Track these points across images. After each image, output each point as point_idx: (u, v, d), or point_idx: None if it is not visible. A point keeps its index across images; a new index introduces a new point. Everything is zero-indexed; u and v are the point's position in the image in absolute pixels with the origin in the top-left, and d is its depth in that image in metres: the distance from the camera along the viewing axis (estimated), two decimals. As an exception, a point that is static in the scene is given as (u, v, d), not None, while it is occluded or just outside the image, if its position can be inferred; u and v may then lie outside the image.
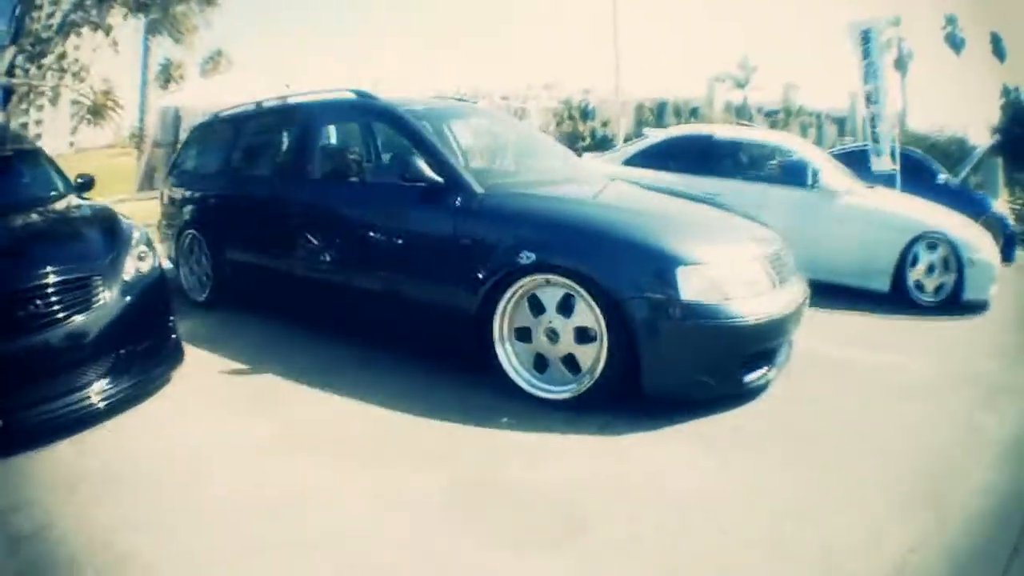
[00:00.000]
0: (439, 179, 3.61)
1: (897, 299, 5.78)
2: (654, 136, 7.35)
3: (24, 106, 21.51)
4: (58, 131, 26.05)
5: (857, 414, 3.38)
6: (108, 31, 18.22)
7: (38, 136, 25.50)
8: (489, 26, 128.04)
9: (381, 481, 2.66)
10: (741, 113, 44.82)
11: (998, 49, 38.41)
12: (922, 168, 9.79)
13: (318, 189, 4.37)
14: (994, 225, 9.00)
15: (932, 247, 5.77)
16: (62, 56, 19.65)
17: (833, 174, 6.13)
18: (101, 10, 17.46)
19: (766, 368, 3.31)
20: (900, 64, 42.29)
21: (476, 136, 4.99)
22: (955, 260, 5.67)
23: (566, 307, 3.22)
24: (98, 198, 4.63)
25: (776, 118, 43.00)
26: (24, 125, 25.06)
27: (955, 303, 5.68)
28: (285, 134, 4.82)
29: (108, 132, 31.21)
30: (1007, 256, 8.82)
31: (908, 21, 44.57)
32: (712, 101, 49.61)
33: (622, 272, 3.07)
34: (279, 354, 4.01)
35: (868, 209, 5.94)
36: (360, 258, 4.00)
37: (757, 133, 7.05)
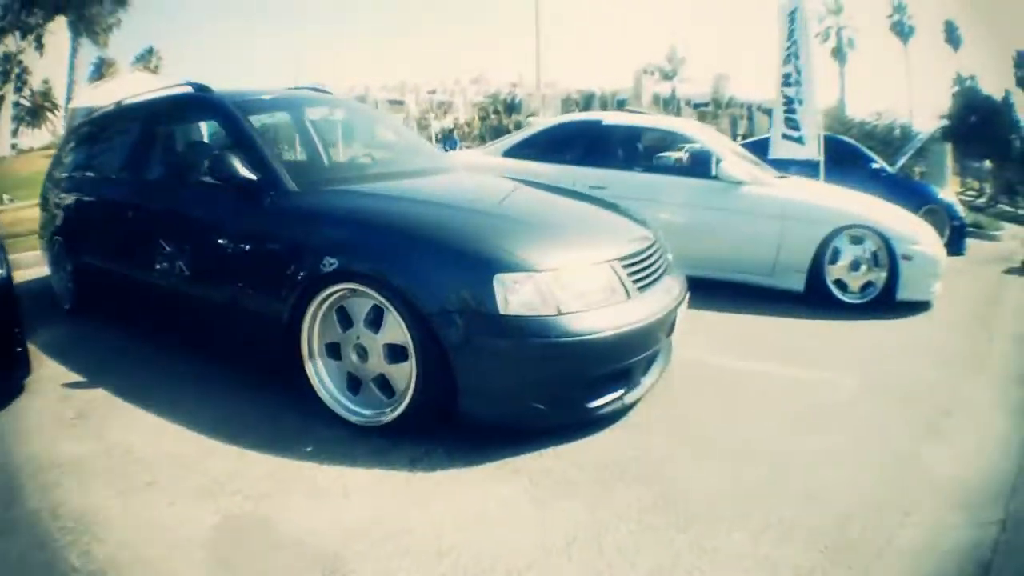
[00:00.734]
0: (253, 176, 3.20)
1: (816, 300, 5.18)
2: (538, 124, 6.73)
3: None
4: (-1, 134, 25.16)
5: (746, 447, 2.77)
6: (29, 31, 17.75)
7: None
8: (419, 21, 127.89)
9: (153, 514, 2.31)
10: (669, 105, 45.17)
11: (952, 37, 38.89)
12: (854, 156, 9.32)
13: (149, 192, 4.09)
14: (940, 215, 8.57)
15: (857, 241, 5.13)
16: (6, 59, 19.23)
17: (735, 163, 5.41)
18: (23, 13, 16.94)
19: (621, 392, 2.78)
20: (839, 53, 42.58)
21: (321, 129, 4.51)
22: (887, 255, 5.05)
23: (376, 321, 2.77)
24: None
25: (705, 110, 43.22)
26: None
27: (888, 303, 5.08)
28: (128, 135, 4.50)
29: (47, 133, 30.46)
30: (955, 249, 8.34)
31: (853, 10, 44.73)
32: (640, 93, 50.05)
33: (432, 281, 2.60)
34: (120, 367, 3.81)
35: (776, 200, 5.27)
36: (186, 265, 3.58)
37: (651, 119, 6.39)
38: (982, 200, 11.52)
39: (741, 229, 5.34)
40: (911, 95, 39.26)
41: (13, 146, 27.18)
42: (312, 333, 2.92)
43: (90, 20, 19.71)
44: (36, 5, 18.17)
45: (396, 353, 2.71)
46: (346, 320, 2.85)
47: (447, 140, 21.85)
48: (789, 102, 7.35)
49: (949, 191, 10.82)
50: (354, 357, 2.84)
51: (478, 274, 2.54)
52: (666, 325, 2.94)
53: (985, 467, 2.68)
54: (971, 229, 9.55)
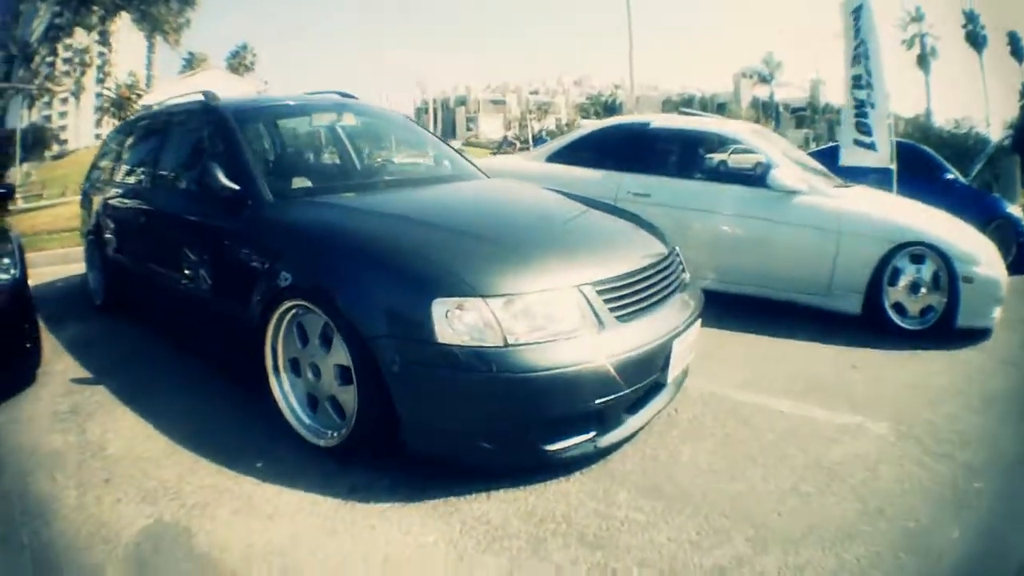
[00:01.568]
0: (235, 187, 3.15)
1: (872, 325, 4.63)
2: (587, 127, 6.31)
3: (47, 100, 22.34)
4: (81, 125, 26.70)
5: (731, 510, 2.38)
6: (91, 28, 18.71)
7: (63, 128, 25.76)
8: (525, 23, 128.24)
9: (99, 508, 2.39)
10: (767, 109, 43.68)
11: (1016, 49, 36.48)
12: (928, 165, 8.49)
13: (158, 196, 4.15)
14: (1007, 231, 7.73)
15: (918, 260, 4.55)
16: (84, 51, 20.36)
17: (789, 170, 4.88)
18: (81, 12, 17.86)
19: (591, 434, 2.46)
20: (923, 61, 40.30)
21: (332, 136, 4.42)
22: (948, 276, 4.46)
23: (328, 340, 2.63)
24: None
25: (803, 114, 41.72)
26: (47, 118, 25.68)
27: (946, 329, 4.49)
28: (148, 141, 4.62)
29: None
30: (1021, 267, 7.53)
31: (932, 19, 42.44)
32: (739, 96, 48.64)
33: (373, 302, 2.44)
34: (130, 366, 3.90)
35: (834, 212, 4.72)
36: (182, 270, 3.57)
37: (702, 122, 5.84)
38: None
39: (793, 243, 4.82)
40: (987, 105, 36.86)
41: (97, 136, 28.65)
42: (276, 347, 2.81)
43: (156, 19, 20.46)
44: (94, 3, 18.94)
45: (345, 375, 2.54)
46: (305, 336, 2.73)
47: (537, 140, 21.90)
48: (860, 105, 6.70)
49: (1017, 206, 9.83)
50: (310, 375, 2.71)
51: (418, 297, 2.32)
52: (660, 357, 2.60)
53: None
54: None
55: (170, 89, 18.00)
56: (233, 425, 3.01)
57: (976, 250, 4.58)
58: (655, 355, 2.55)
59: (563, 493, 2.41)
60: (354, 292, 2.46)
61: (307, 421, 2.75)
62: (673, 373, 2.74)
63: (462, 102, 73.71)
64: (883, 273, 4.56)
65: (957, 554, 2.22)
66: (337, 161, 4.25)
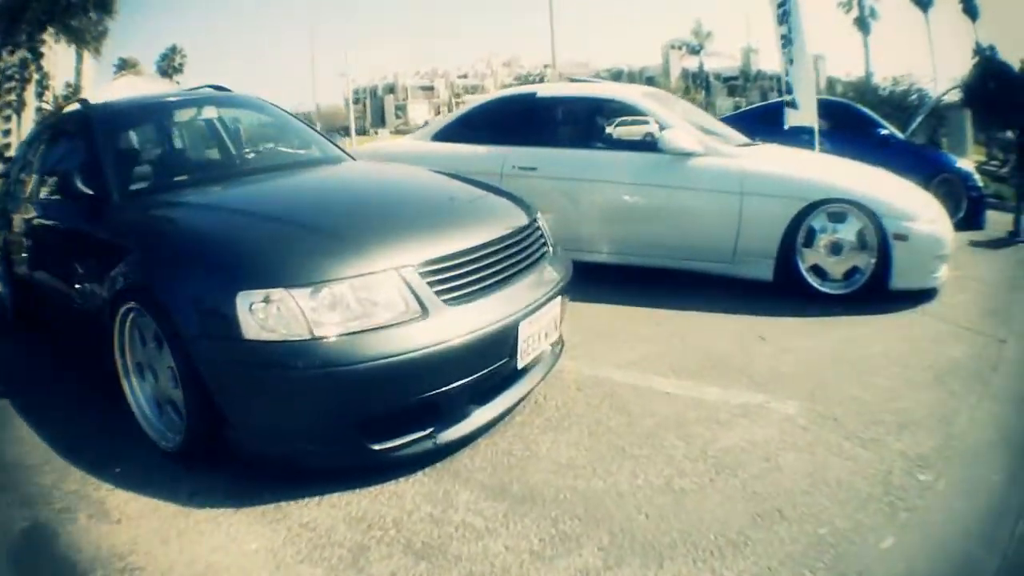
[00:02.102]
0: (89, 191, 3.07)
1: (791, 292, 4.40)
2: (472, 102, 6.08)
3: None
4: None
5: (585, 515, 2.12)
6: (20, 47, 18.73)
7: (6, 146, 25.22)
8: (448, 6, 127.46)
9: None
10: (697, 79, 43.86)
11: (969, 7, 36.67)
12: (860, 121, 8.36)
13: (44, 207, 3.95)
14: (956, 186, 7.59)
15: (839, 219, 4.32)
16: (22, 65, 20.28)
17: (684, 131, 4.63)
18: (9, 30, 17.89)
19: (428, 431, 2.29)
20: (862, 23, 40.38)
21: (194, 130, 4.31)
22: (876, 234, 4.24)
23: (160, 341, 2.50)
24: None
25: (735, 83, 41.93)
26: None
27: (880, 292, 4.27)
28: (39, 149, 4.50)
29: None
30: (974, 222, 7.45)
31: None
32: (668, 69, 48.79)
33: (187, 300, 2.31)
34: (33, 379, 3.81)
35: (735, 173, 4.47)
36: (68, 281, 3.37)
37: (591, 88, 5.57)
38: (1005, 170, 10.33)
39: (691, 208, 4.58)
40: (934, 65, 37.14)
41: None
42: (125, 350, 2.72)
43: (78, 30, 20.41)
44: (22, 21, 18.88)
45: (177, 376, 2.41)
46: (144, 338, 2.64)
47: None
48: (789, 64, 6.53)
49: (968, 160, 9.76)
50: (151, 377, 2.63)
51: (223, 291, 2.17)
52: (504, 342, 2.40)
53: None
54: (992, 200, 8.41)
55: (96, 97, 17.61)
56: (108, 431, 2.88)
57: (911, 205, 4.34)
58: (495, 340, 2.35)
59: (399, 495, 2.23)
60: (172, 291, 2.35)
61: (156, 424, 2.64)
62: (526, 359, 2.54)
63: (391, 90, 73.37)
64: (796, 235, 4.34)
65: (890, 571, 1.84)
66: (199, 155, 4.11)
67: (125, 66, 40.93)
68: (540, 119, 5.24)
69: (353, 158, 4.02)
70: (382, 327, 2.13)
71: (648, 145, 4.77)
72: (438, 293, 2.26)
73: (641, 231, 4.73)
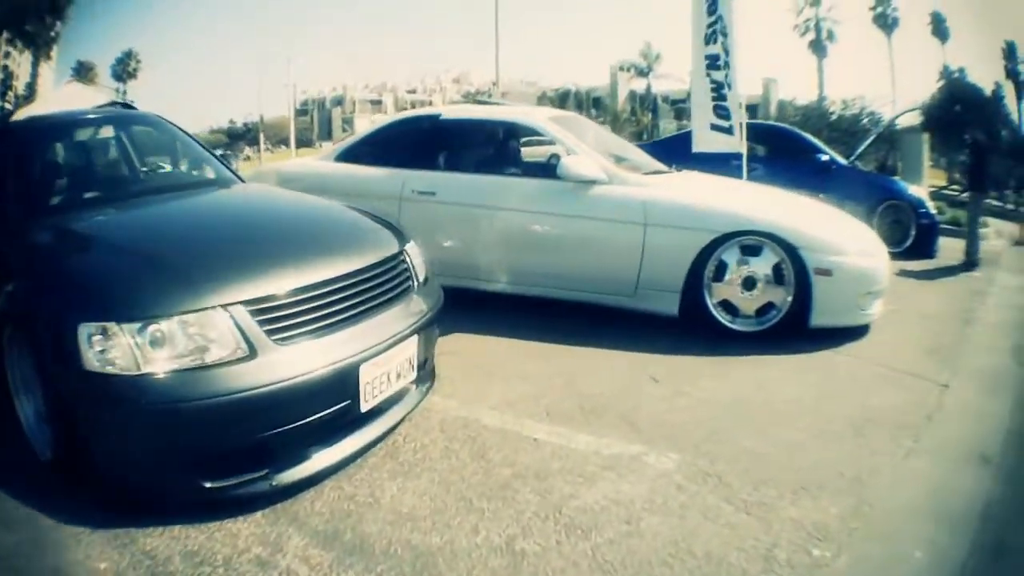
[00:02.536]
0: None
1: (697, 327, 4.06)
2: (379, 122, 5.81)
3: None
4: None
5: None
6: None
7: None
8: (406, 21, 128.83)
9: None
10: (645, 102, 44.21)
11: (939, 29, 37.39)
12: (799, 147, 8.11)
13: None
14: (905, 212, 7.34)
15: (753, 251, 3.99)
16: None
17: (586, 158, 4.30)
18: None
19: (261, 472, 2.20)
20: (818, 46, 40.83)
21: (96, 149, 4.14)
22: (794, 269, 3.90)
23: None
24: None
25: (684, 106, 42.36)
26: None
27: (800, 330, 3.93)
28: None
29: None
30: (925, 251, 7.21)
31: (835, 1, 43.00)
32: (616, 90, 49.24)
33: (45, 326, 2.28)
34: None
35: (637, 202, 4.16)
36: None
37: (497, 111, 5.31)
38: (967, 195, 10.21)
39: (590, 239, 4.28)
40: (895, 88, 37.62)
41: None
42: (14, 371, 2.62)
43: (32, 35, 20.10)
44: None
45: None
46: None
47: None
48: (718, 88, 6.20)
49: (922, 186, 9.57)
50: (34, 393, 2.52)
51: (69, 322, 2.14)
52: (342, 385, 2.31)
53: None
54: (949, 227, 8.21)
55: (48, 100, 17.34)
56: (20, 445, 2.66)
57: (836, 238, 4.02)
58: (329, 383, 2.25)
59: (234, 534, 2.12)
60: (35, 318, 2.33)
61: (38, 438, 2.51)
62: (372, 402, 2.42)
63: (339, 102, 73.09)
64: (704, 268, 4.00)
65: None
66: (85, 178, 3.80)
67: (82, 70, 40.92)
68: (442, 142, 4.95)
69: (242, 180, 3.86)
70: (209, 366, 2.09)
71: (549, 171, 4.46)
72: (269, 332, 2.19)
73: (540, 261, 4.41)
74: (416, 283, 2.83)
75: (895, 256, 7.06)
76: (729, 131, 6.06)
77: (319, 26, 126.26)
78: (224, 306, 2.14)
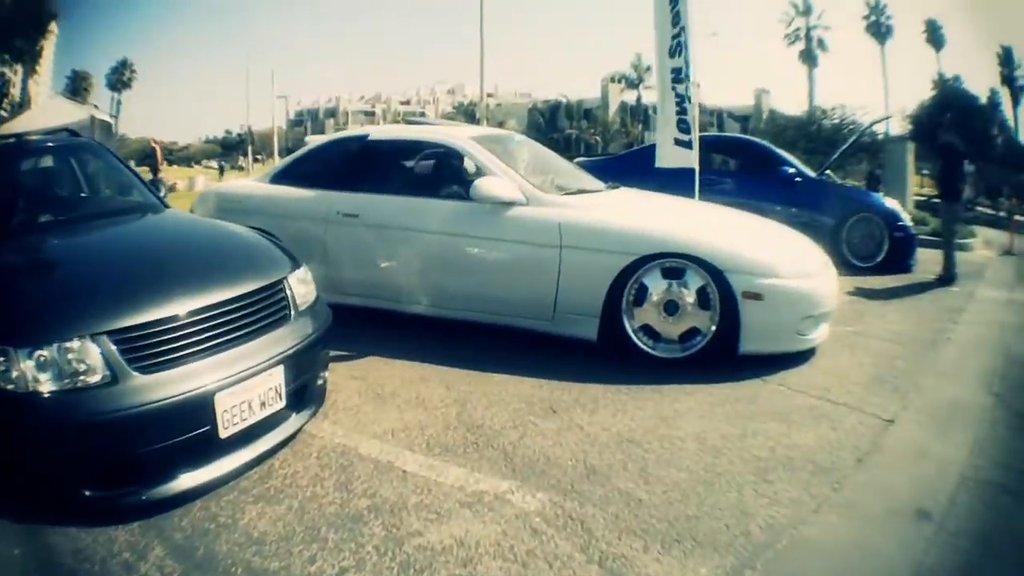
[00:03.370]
0: None
1: (618, 353, 3.92)
2: (312, 143, 5.76)
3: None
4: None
5: None
6: None
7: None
8: (402, 34, 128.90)
9: None
10: (636, 113, 43.89)
11: (934, 37, 36.65)
12: (765, 160, 7.88)
13: None
14: (877, 225, 7.09)
15: (676, 274, 3.82)
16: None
17: (502, 180, 4.19)
18: None
19: (133, 488, 2.39)
20: (809, 56, 40.08)
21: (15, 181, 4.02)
22: (720, 293, 3.73)
23: None
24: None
25: None
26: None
27: (731, 356, 3.77)
28: None
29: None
30: (900, 265, 6.98)
31: (826, 7, 42.34)
32: (607, 101, 48.94)
33: None
34: None
35: (553, 224, 4.03)
36: None
37: (423, 131, 5.23)
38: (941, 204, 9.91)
39: (506, 262, 4.18)
40: (889, 98, 36.94)
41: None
42: None
43: (19, 50, 20.39)
44: None
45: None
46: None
47: None
48: (680, 101, 6.02)
49: (906, 196, 9.28)
50: None
51: None
52: (197, 412, 2.43)
53: None
54: (934, 238, 7.94)
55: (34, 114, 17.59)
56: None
57: (768, 259, 3.81)
58: (183, 410, 2.39)
59: (112, 539, 2.26)
60: None
61: None
62: (231, 429, 2.51)
63: (332, 113, 73.60)
64: (623, 292, 3.84)
65: None
66: (15, 204, 3.74)
67: (77, 79, 41.51)
68: (369, 163, 4.87)
69: (166, 207, 3.89)
70: (81, 389, 2.28)
71: (459, 192, 4.37)
72: (130, 361, 2.34)
73: (459, 283, 4.32)
74: (293, 312, 2.87)
75: (867, 271, 6.93)
76: (689, 145, 5.87)
77: (318, 37, 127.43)
78: (93, 335, 2.32)
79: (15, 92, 23.41)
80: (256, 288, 2.76)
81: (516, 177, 4.25)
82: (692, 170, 5.80)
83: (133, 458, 2.38)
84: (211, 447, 2.49)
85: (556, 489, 2.53)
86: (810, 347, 3.96)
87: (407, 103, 70.81)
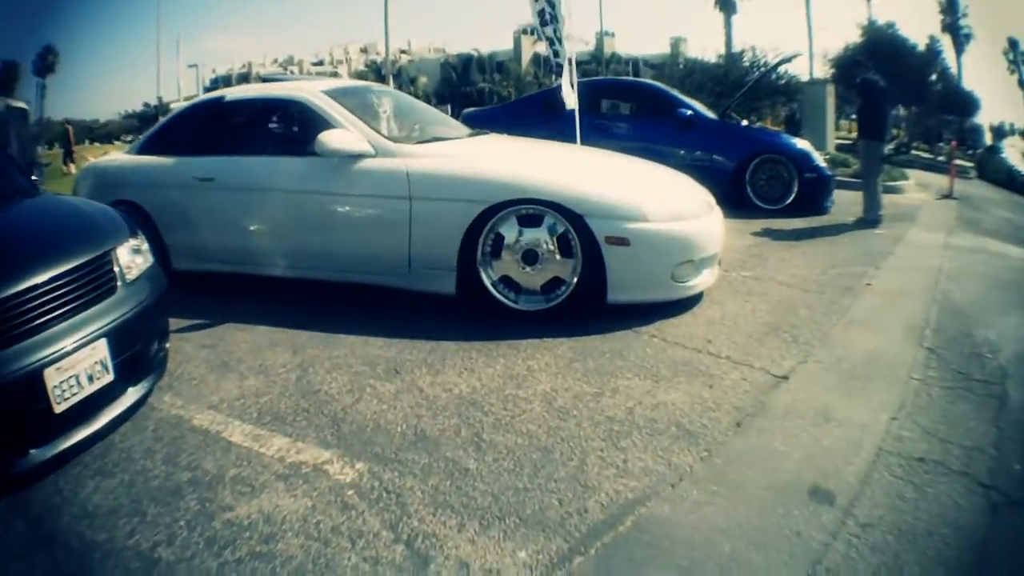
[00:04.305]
0: None
1: (479, 308, 3.77)
2: (176, 109, 5.72)
3: None
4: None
5: None
6: None
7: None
8: None
9: None
10: (548, 65, 44.02)
11: None
12: (660, 102, 7.74)
13: None
14: (785, 166, 7.00)
15: (533, 222, 3.66)
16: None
17: (346, 132, 3.98)
18: None
19: None
20: (727, 2, 39.52)
21: None
22: (581, 239, 3.57)
23: None
24: None
25: (588, 67, 41.93)
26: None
27: (600, 306, 3.62)
28: None
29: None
30: (815, 207, 6.89)
31: None
32: (519, 54, 48.68)
33: None
34: None
35: (401, 175, 3.84)
36: None
37: (273, 88, 4.94)
38: (889, 147, 9.87)
39: (356, 217, 4.04)
40: (812, 46, 37.07)
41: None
42: None
43: None
44: None
45: None
46: None
47: None
48: (552, 43, 5.84)
49: (822, 138, 9.25)
50: None
51: None
52: (32, 389, 2.40)
53: None
54: (857, 180, 7.90)
55: None
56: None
57: (633, 201, 3.63)
58: (15, 388, 2.36)
59: None
60: None
61: None
62: (66, 404, 2.49)
63: (245, 79, 72.22)
64: (477, 243, 3.68)
65: None
66: None
67: (5, 69, 41.67)
68: (224, 125, 4.73)
69: (36, 190, 3.71)
70: None
71: (301, 148, 4.15)
72: None
73: (311, 242, 4.17)
74: (120, 283, 2.83)
75: (775, 214, 6.83)
76: (572, 88, 5.70)
77: (230, 4, 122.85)
78: None
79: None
80: (78, 264, 2.70)
81: (364, 128, 4.05)
82: (582, 115, 5.64)
83: None
84: (50, 423, 2.50)
85: (378, 459, 2.40)
86: (691, 295, 3.82)
87: (320, 63, 69.22)
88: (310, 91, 4.36)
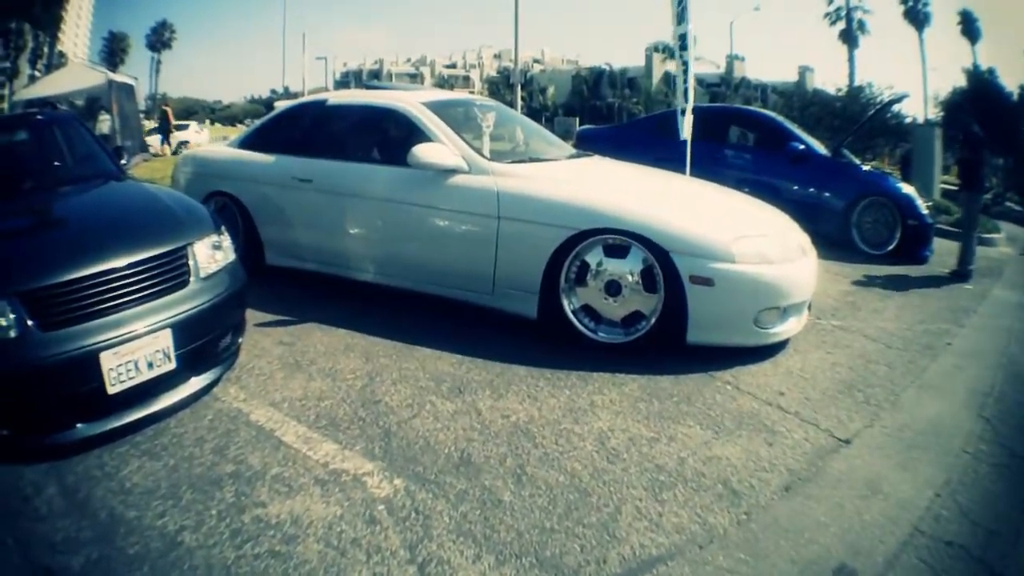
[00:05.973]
0: None
1: (559, 334, 3.71)
2: (278, 108, 5.64)
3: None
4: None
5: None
6: None
7: None
8: None
9: None
10: (673, 84, 43.08)
11: (969, 29, 34.59)
12: (773, 134, 7.38)
13: None
14: (889, 211, 6.58)
15: (619, 252, 3.57)
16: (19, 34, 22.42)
17: (441, 147, 3.98)
18: None
19: (40, 433, 2.58)
20: (849, 36, 37.84)
21: None
22: (665, 274, 3.46)
23: None
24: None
25: (717, 90, 40.25)
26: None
27: (679, 345, 3.50)
28: None
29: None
30: (914, 255, 6.47)
31: None
32: (651, 71, 47.45)
33: None
34: None
35: (491, 194, 3.82)
36: None
37: (376, 95, 4.84)
38: (986, 198, 9.16)
39: (444, 231, 4.05)
40: (927, 86, 34.87)
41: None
42: None
43: (38, 19, 21.90)
44: None
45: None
46: None
47: None
48: (686, 69, 5.73)
49: (929, 182, 8.59)
50: None
51: None
52: (87, 369, 2.54)
53: None
54: (955, 230, 7.26)
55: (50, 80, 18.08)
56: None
57: (723, 241, 3.44)
58: (71, 366, 2.50)
59: (20, 476, 2.41)
60: None
61: None
62: (120, 386, 2.61)
63: (376, 75, 73.14)
64: (561, 268, 3.63)
65: None
66: None
67: (114, 40, 42.40)
68: (325, 128, 4.80)
69: (124, 175, 3.96)
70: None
71: (397, 159, 4.16)
72: (32, 319, 2.46)
73: (398, 251, 4.24)
74: (193, 278, 2.90)
75: (878, 259, 6.47)
76: (683, 114, 5.60)
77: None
78: (4, 296, 2.45)
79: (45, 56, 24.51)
80: (152, 255, 2.80)
81: (459, 143, 4.06)
82: (694, 142, 5.52)
83: (33, 406, 2.51)
84: (102, 402, 2.60)
85: (417, 478, 2.40)
86: (774, 342, 3.62)
87: (452, 66, 70.73)
88: (410, 102, 4.40)
